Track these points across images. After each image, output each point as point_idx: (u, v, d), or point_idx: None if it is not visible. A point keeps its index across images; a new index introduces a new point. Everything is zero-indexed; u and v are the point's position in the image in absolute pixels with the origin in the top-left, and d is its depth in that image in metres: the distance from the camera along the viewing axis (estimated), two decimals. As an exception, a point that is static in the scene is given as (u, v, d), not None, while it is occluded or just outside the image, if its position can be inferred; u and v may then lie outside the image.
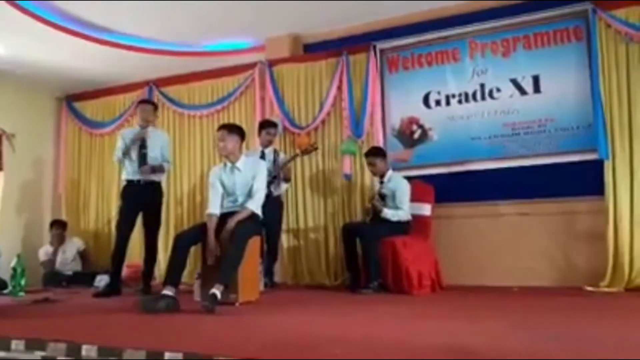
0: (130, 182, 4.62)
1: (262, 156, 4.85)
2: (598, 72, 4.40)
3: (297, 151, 5.13)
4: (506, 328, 2.56)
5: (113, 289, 4.50)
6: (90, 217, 6.60)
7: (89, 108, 6.81)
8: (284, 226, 5.33)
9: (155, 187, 4.70)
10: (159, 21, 5.26)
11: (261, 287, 4.24)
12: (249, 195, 3.81)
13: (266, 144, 4.98)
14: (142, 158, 4.54)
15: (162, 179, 4.83)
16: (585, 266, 4.41)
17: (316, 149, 5.11)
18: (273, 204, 4.74)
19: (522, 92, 4.81)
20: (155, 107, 4.96)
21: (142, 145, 4.57)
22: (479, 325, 2.70)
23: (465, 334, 2.41)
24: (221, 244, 3.62)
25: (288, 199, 5.41)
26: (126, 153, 4.58)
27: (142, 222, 4.72)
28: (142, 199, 4.59)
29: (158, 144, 4.68)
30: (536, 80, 4.76)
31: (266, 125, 5.03)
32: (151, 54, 5.83)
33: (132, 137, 4.62)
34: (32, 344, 2.28)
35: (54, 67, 6.17)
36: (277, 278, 5.12)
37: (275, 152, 5.07)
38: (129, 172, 4.62)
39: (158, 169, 4.64)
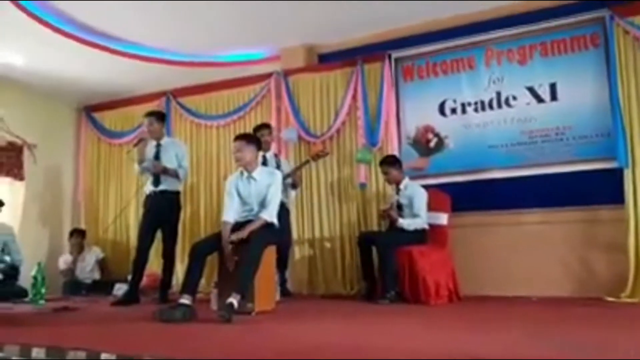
0: (147, 195, 4.71)
1: (264, 162, 4.84)
2: (616, 79, 4.35)
3: (308, 157, 5.13)
4: (524, 338, 2.53)
5: (132, 297, 4.54)
6: (108, 227, 6.67)
7: (107, 118, 6.92)
8: (299, 235, 5.33)
9: (172, 198, 4.70)
10: (176, 32, 5.34)
11: (277, 297, 4.24)
12: (263, 204, 3.83)
13: (265, 148, 4.91)
14: (161, 172, 4.62)
15: (178, 188, 4.79)
16: (605, 276, 4.34)
17: (327, 154, 5.10)
18: (280, 212, 4.72)
19: (539, 100, 4.77)
20: (157, 116, 4.82)
21: (156, 157, 4.66)
22: (496, 335, 2.67)
23: (483, 344, 2.39)
24: (237, 253, 3.64)
25: (303, 208, 5.43)
26: (142, 165, 4.67)
27: (161, 233, 4.76)
28: (157, 211, 4.63)
29: (172, 154, 4.70)
30: (553, 87, 4.72)
31: (257, 129, 4.94)
32: (168, 65, 5.91)
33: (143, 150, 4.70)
34: (53, 352, 2.31)
35: (72, 78, 6.29)
36: (292, 287, 5.11)
37: (276, 156, 5.07)
38: (147, 185, 4.72)
39: (171, 173, 4.63)
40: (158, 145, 4.72)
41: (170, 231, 4.72)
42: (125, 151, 6.33)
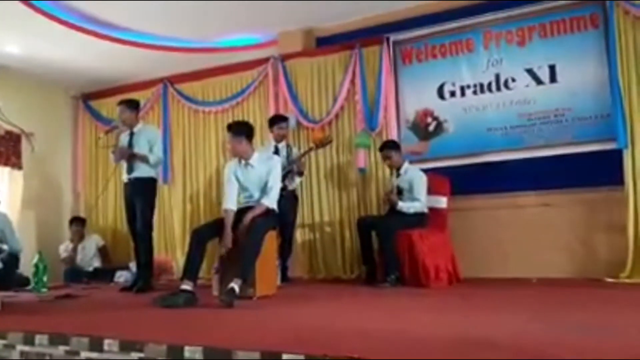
0: (124, 184, 4.70)
1: (276, 151, 4.84)
2: (616, 60, 4.33)
3: (312, 145, 5.13)
4: (525, 319, 2.55)
5: (138, 283, 4.52)
6: (108, 214, 6.69)
7: (104, 106, 6.87)
8: (299, 220, 5.34)
9: (145, 185, 4.59)
10: (172, 18, 5.28)
11: (278, 282, 4.26)
12: (264, 191, 3.83)
13: (279, 139, 4.96)
14: (130, 158, 4.58)
15: (152, 174, 4.65)
16: (605, 257, 4.36)
17: (330, 142, 5.10)
18: (288, 198, 4.75)
19: (538, 81, 4.75)
20: (128, 104, 4.70)
21: (130, 145, 4.61)
22: (497, 316, 2.69)
23: (483, 326, 2.41)
24: (238, 239, 3.65)
25: (303, 193, 5.43)
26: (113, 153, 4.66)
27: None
28: (130, 197, 4.61)
29: (145, 140, 4.62)
30: (552, 69, 4.69)
31: (277, 120, 4.98)
32: (165, 51, 5.87)
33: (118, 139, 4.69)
34: (56, 339, 2.32)
35: (69, 66, 6.25)
36: (293, 272, 5.12)
37: (289, 146, 5.06)
38: (123, 173, 4.69)
39: (140, 158, 4.53)
40: (131, 134, 4.67)
41: (141, 211, 4.55)
42: (97, 138, 6.27)
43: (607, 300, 3.29)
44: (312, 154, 5.33)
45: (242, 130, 3.89)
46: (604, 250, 4.38)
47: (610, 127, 4.37)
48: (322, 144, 5.02)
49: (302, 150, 5.17)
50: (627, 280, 4.08)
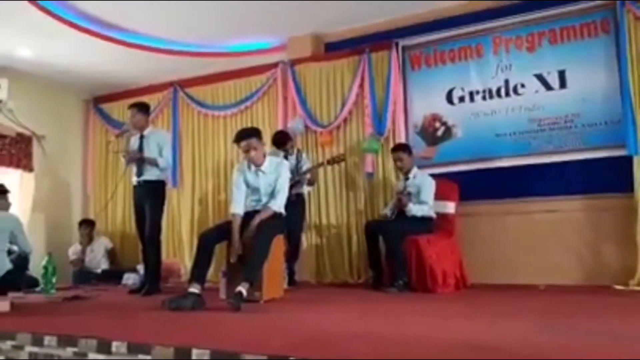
0: (133, 186, 4.72)
1: (286, 158, 4.83)
2: (627, 66, 4.31)
3: (323, 160, 5.11)
4: (532, 326, 2.53)
5: (146, 286, 4.52)
6: (117, 217, 6.73)
7: (115, 109, 6.93)
8: (306, 224, 5.35)
9: (154, 187, 4.61)
10: (183, 22, 5.33)
11: (285, 285, 4.26)
12: (272, 195, 3.84)
13: (289, 153, 4.94)
14: (139, 162, 4.60)
15: (161, 177, 4.67)
16: (614, 264, 4.32)
17: (343, 160, 5.03)
18: (295, 202, 4.74)
19: (548, 87, 4.73)
20: (139, 108, 4.73)
21: (140, 148, 4.63)
22: (503, 323, 2.67)
23: (490, 332, 2.39)
24: (245, 242, 3.66)
25: (311, 197, 5.43)
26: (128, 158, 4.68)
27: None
28: (141, 202, 4.63)
29: (155, 144, 4.63)
30: (562, 75, 4.68)
31: (281, 142, 4.87)
32: (175, 55, 5.91)
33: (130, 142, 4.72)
34: (64, 340, 2.33)
35: (80, 70, 6.31)
36: (300, 276, 5.12)
37: (299, 151, 5.07)
38: (133, 176, 4.72)
39: (150, 162, 4.55)
40: (141, 137, 4.68)
41: (150, 214, 4.56)
42: (107, 142, 6.49)
43: (616, 307, 3.26)
44: (321, 158, 5.34)
45: (257, 133, 3.89)
46: (613, 257, 4.35)
47: (620, 133, 4.34)
48: (333, 161, 4.98)
49: (313, 163, 5.14)
50: (636, 288, 4.04)
